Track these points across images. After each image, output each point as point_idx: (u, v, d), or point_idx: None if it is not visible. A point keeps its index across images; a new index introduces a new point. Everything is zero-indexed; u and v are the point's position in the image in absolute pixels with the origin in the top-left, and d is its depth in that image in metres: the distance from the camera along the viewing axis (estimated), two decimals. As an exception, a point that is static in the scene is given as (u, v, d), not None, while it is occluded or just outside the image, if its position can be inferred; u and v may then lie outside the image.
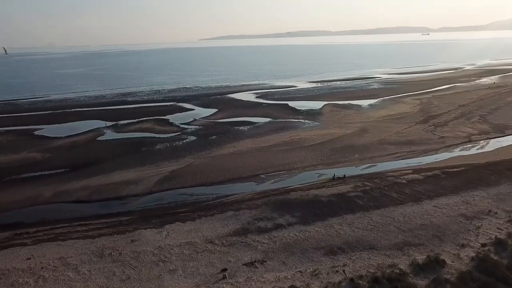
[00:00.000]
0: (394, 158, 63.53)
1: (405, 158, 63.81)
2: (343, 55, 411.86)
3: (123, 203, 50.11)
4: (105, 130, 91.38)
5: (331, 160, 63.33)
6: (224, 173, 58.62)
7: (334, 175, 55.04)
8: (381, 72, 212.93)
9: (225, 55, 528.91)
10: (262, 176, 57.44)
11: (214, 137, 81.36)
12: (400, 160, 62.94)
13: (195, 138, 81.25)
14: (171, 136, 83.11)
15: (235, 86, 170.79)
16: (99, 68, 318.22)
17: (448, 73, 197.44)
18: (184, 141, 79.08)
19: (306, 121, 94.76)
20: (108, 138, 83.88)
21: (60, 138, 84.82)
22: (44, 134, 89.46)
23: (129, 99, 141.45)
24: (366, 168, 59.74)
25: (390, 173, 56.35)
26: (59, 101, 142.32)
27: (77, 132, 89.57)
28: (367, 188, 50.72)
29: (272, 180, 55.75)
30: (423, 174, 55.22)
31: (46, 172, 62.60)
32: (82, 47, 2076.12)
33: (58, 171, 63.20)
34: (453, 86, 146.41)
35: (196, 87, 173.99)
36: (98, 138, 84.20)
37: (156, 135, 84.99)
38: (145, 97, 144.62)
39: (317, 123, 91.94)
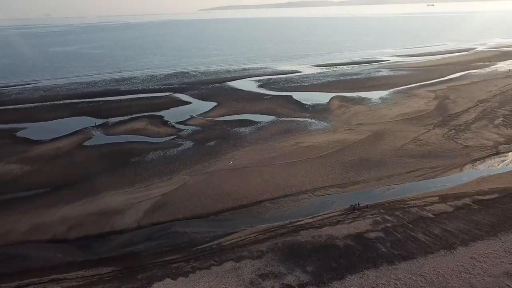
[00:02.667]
0: (416, 178, 56.18)
1: (427, 177, 56.45)
2: (347, 31, 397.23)
3: (106, 243, 43.28)
4: (93, 132, 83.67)
5: (345, 180, 56.03)
6: (222, 199, 51.50)
7: (354, 207, 47.83)
8: (389, 54, 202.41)
9: (224, 29, 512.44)
10: (266, 203, 50.33)
11: (212, 143, 73.81)
12: (422, 180, 55.59)
13: (191, 144, 73.72)
14: (164, 142, 75.55)
15: (235, 71, 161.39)
16: (94, 46, 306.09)
17: (460, 55, 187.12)
18: (179, 148, 71.59)
19: (313, 120, 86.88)
20: (96, 143, 76.33)
21: (44, 142, 77.30)
22: (27, 136, 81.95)
23: (122, 87, 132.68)
24: (385, 192, 52.55)
25: (413, 201, 49.26)
26: (48, 89, 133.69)
27: (63, 134, 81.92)
28: (388, 225, 43.73)
29: (278, 210, 48.70)
30: (452, 203, 48.12)
31: (24, 194, 55.52)
32: (79, 18, 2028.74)
33: (37, 191, 56.12)
34: (468, 73, 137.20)
35: (194, 71, 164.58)
36: (85, 143, 76.68)
37: (149, 139, 77.45)
38: (139, 85, 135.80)
39: (325, 123, 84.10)
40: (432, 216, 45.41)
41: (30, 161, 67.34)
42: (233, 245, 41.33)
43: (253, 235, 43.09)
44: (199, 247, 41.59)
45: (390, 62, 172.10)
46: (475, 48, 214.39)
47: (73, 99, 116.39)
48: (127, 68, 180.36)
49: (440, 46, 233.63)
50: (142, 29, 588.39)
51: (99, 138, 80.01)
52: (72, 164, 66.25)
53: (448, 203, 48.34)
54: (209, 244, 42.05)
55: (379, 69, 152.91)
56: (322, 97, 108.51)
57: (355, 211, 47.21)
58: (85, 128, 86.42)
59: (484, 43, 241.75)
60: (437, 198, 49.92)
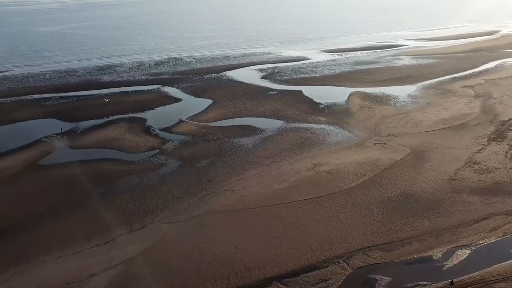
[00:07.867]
0: (490, 233, 39.23)
1: (507, 231, 39.51)
2: (355, 9, 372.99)
3: None
4: (56, 143, 66.59)
5: (390, 236, 39.15)
6: (214, 274, 34.74)
7: None
8: (406, 37, 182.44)
9: (225, 6, 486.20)
10: (279, 284, 33.51)
11: (203, 163, 56.82)
12: (501, 237, 38.71)
13: (176, 164, 56.71)
14: (142, 160, 58.49)
15: (235, 57, 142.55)
16: (82, 26, 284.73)
17: (486, 39, 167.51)
18: (160, 171, 54.62)
19: (331, 127, 69.65)
20: (55, 162, 59.30)
21: (-11, 159, 60.38)
22: (-29, 149, 64.90)
23: (105, 78, 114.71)
24: (453, 262, 35.68)
25: (501, 284, 32.63)
26: (19, 79, 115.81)
27: (17, 146, 64.96)
28: None
29: (299, 299, 32.04)
30: None
31: None
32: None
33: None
34: (503, 63, 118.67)
35: (188, 57, 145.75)
36: (40, 161, 59.69)
37: (123, 156, 60.42)
38: (124, 75, 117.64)
39: (347, 133, 66.91)
40: (543, 320, 28.80)
41: (-41, 192, 50.49)
42: None
43: None
44: None
45: (409, 48, 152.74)
46: (499, 31, 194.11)
47: (43, 94, 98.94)
48: (114, 53, 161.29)
49: (459, 28, 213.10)
50: (139, 6, 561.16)
51: (61, 153, 62.99)
52: (16, 197, 49.48)
53: (558, 289, 31.69)
54: None
55: (398, 56, 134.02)
56: (339, 94, 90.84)
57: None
58: (46, 136, 69.30)
59: (506, 24, 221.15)
60: (538, 278, 33.23)
